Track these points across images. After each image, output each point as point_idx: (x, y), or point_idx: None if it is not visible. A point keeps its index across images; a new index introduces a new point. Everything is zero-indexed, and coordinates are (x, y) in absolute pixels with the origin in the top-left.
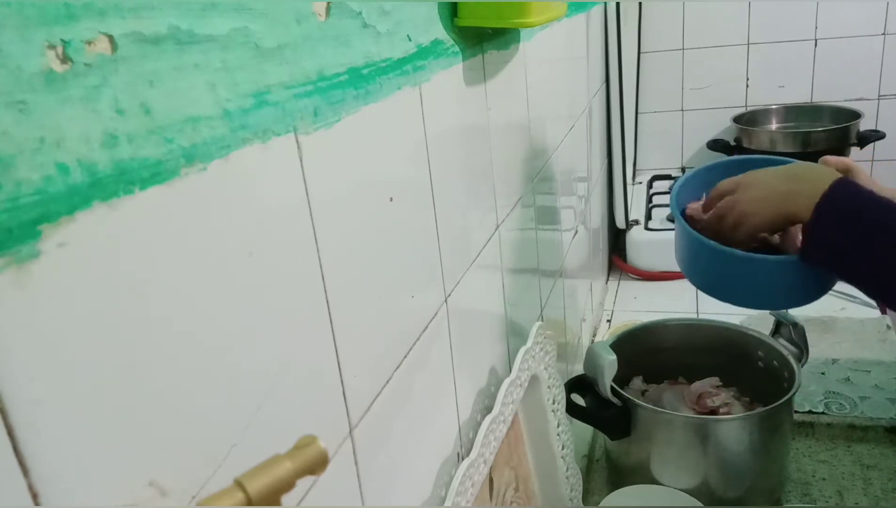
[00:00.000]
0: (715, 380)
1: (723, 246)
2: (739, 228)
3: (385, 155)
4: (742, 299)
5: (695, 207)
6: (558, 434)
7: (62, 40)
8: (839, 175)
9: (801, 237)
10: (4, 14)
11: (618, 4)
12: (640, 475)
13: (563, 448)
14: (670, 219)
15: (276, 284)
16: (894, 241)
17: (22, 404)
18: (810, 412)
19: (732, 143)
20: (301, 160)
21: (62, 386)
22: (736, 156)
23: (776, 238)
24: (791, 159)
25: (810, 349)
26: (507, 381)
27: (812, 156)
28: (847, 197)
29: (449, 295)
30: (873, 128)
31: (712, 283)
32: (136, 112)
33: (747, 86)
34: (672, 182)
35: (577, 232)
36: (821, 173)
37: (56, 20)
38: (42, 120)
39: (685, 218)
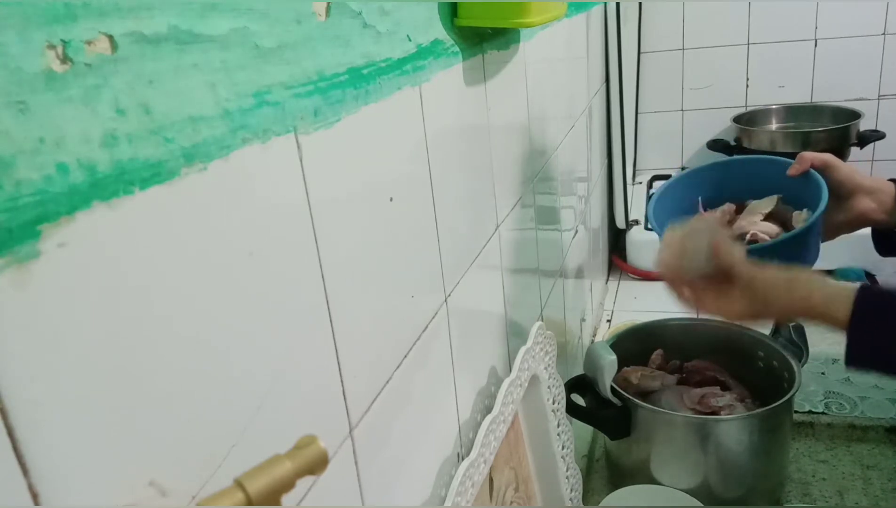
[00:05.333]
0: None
1: None
2: None
3: (385, 155)
4: None
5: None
6: (558, 434)
7: (62, 40)
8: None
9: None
10: (4, 14)
11: (618, 4)
12: (640, 475)
13: (563, 448)
14: None
15: (276, 284)
16: None
17: (22, 404)
18: (810, 412)
19: (732, 143)
20: (301, 160)
21: (62, 386)
22: (706, 164)
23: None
24: (765, 156)
25: (810, 349)
26: (507, 381)
27: None
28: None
29: (449, 296)
30: (873, 128)
31: None
32: (136, 112)
33: (747, 86)
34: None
35: (577, 232)
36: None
37: (56, 20)
38: (42, 120)
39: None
